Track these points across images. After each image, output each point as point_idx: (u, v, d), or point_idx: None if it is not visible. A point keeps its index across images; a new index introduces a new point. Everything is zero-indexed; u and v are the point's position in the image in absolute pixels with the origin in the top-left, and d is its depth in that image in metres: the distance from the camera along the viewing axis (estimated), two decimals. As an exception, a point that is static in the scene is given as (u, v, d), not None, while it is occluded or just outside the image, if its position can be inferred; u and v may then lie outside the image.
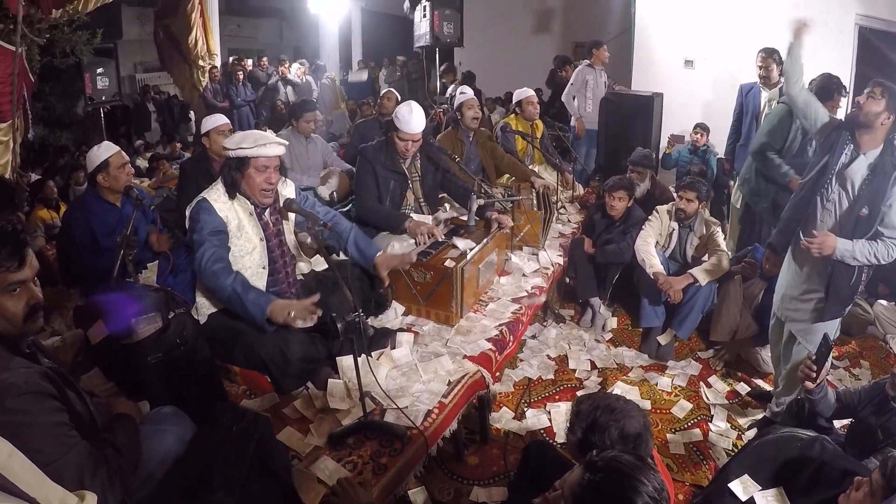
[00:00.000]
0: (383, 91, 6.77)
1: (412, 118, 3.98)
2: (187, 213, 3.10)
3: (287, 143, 3.21)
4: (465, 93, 5.58)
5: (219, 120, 4.77)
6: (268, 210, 3.20)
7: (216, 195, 3.07)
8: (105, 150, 3.85)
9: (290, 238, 3.35)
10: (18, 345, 1.91)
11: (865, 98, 3.09)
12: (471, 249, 3.69)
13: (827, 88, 4.38)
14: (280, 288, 3.27)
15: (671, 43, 7.97)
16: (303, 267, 3.47)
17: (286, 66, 13.34)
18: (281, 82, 12.88)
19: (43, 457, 1.65)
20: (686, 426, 3.77)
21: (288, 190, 3.33)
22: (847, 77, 6.87)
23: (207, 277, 2.93)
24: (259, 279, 3.14)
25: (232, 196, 3.07)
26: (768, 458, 2.61)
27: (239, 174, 3.03)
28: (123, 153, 3.91)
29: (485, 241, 3.85)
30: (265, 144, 3.01)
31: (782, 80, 5.24)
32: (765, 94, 5.56)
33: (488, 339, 3.42)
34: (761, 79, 5.57)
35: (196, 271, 3.01)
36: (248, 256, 3.11)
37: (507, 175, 5.65)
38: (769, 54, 5.44)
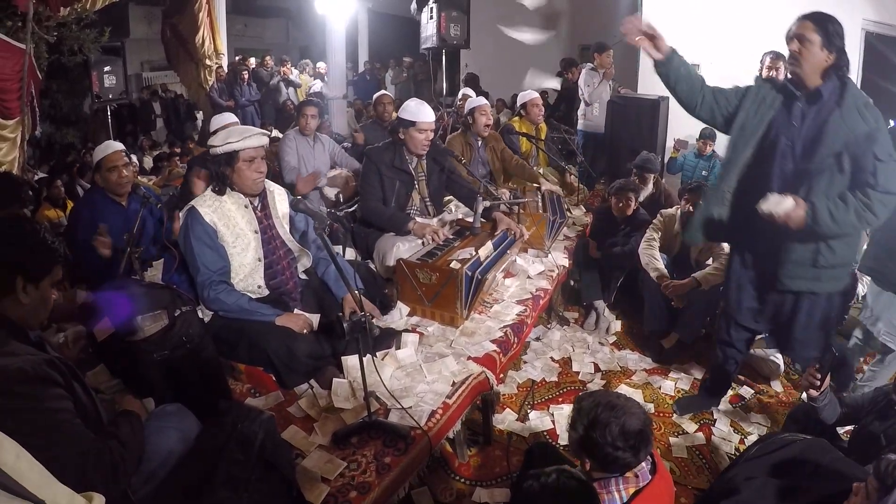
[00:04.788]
0: (378, 95, 6.63)
1: (423, 108, 4.08)
2: (180, 216, 3.16)
3: (269, 133, 3.25)
4: (477, 98, 5.57)
5: (228, 119, 4.79)
6: (259, 203, 3.26)
7: (202, 200, 3.12)
8: (101, 151, 3.83)
9: (284, 234, 3.37)
10: (27, 334, 1.95)
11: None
12: (486, 255, 3.73)
13: None
14: (279, 280, 3.30)
15: (677, 46, 7.95)
16: (306, 263, 3.48)
17: (288, 66, 13.39)
18: (283, 83, 12.92)
19: (46, 444, 1.65)
20: (689, 430, 3.76)
21: (280, 200, 3.39)
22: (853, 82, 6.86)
23: (212, 302, 3.04)
24: (256, 272, 3.19)
25: (222, 192, 3.12)
26: (770, 462, 2.62)
27: (229, 168, 3.07)
28: (123, 154, 3.86)
29: (504, 248, 3.90)
30: (250, 136, 3.07)
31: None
32: None
33: (493, 341, 3.43)
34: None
35: (201, 301, 3.09)
36: (244, 253, 3.15)
37: (513, 178, 5.66)
38: (779, 57, 5.40)
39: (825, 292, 3.20)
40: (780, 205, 2.87)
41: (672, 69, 3.23)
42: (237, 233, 3.12)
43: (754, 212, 3.09)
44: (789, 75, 3.04)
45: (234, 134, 3.06)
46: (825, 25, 2.84)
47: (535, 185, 5.30)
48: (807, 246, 3.06)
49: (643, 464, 2.12)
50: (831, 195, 2.89)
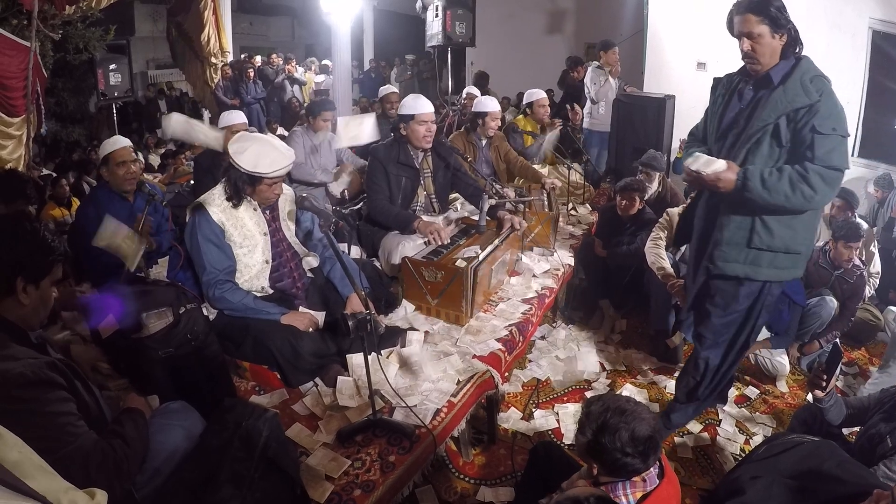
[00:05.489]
0: (386, 92, 6.61)
1: (420, 100, 4.12)
2: (188, 213, 3.16)
3: (293, 158, 3.22)
4: (491, 101, 5.56)
5: (235, 119, 4.79)
6: (267, 206, 3.27)
7: (211, 199, 3.11)
8: (109, 145, 3.83)
9: (291, 236, 3.39)
10: (28, 336, 1.93)
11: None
12: (482, 251, 3.70)
13: None
14: (285, 283, 3.30)
15: (684, 45, 7.94)
16: (311, 261, 3.48)
17: (293, 64, 13.42)
18: (287, 81, 12.95)
19: (50, 446, 1.65)
20: (694, 430, 3.75)
21: (287, 200, 3.40)
22: (860, 81, 6.83)
23: (217, 301, 3.05)
24: (262, 273, 3.20)
25: (237, 205, 3.11)
26: (776, 463, 2.61)
27: (250, 188, 3.07)
28: (130, 150, 3.86)
29: (497, 241, 3.85)
30: (280, 168, 3.04)
31: None
32: None
33: (498, 339, 3.42)
34: None
35: (206, 300, 3.09)
36: (251, 255, 3.15)
37: (518, 177, 5.65)
38: None
39: (765, 280, 3.06)
40: (709, 165, 2.82)
41: None
42: (245, 234, 3.12)
43: (698, 200, 3.09)
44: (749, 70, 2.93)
45: (263, 162, 2.99)
46: (767, 11, 2.72)
47: (540, 184, 5.29)
48: (741, 225, 2.95)
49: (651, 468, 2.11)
50: (769, 165, 2.81)
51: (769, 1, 2.72)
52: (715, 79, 3.21)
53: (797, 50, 2.81)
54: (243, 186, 3.06)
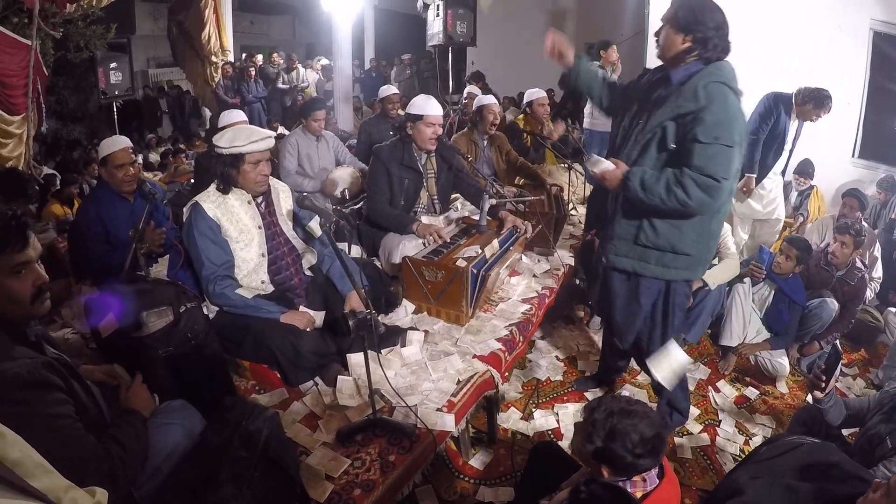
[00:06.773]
0: (388, 93, 6.57)
1: (430, 102, 4.11)
2: (184, 212, 3.17)
3: (274, 134, 3.27)
4: (487, 96, 5.61)
5: (236, 118, 4.78)
6: (262, 200, 3.28)
7: (206, 196, 3.14)
8: (108, 146, 3.78)
9: (288, 231, 3.39)
10: (24, 334, 1.89)
11: None
12: (491, 253, 3.72)
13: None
14: (284, 276, 3.30)
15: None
16: (311, 259, 3.48)
17: (295, 63, 13.45)
18: (290, 88, 12.98)
19: (46, 450, 1.60)
20: (694, 430, 3.75)
21: (284, 197, 3.41)
22: (861, 82, 6.82)
23: (217, 297, 3.05)
24: (260, 267, 3.19)
25: (226, 191, 3.14)
26: (776, 464, 2.61)
27: (234, 170, 3.10)
28: (129, 152, 3.80)
29: (497, 242, 3.86)
30: (257, 140, 3.07)
31: None
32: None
33: (498, 339, 3.42)
34: None
35: (206, 295, 3.09)
36: (247, 249, 3.16)
37: (518, 177, 5.66)
38: None
39: (652, 276, 3.11)
40: (597, 164, 2.96)
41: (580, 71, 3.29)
42: (241, 228, 3.13)
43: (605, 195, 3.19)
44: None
45: (240, 136, 3.06)
46: (675, 11, 2.78)
47: (541, 184, 5.30)
48: (631, 222, 3.04)
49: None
50: (655, 168, 2.88)
51: (684, 5, 2.77)
52: (644, 69, 3.26)
53: (705, 59, 2.79)
54: (229, 172, 3.10)
